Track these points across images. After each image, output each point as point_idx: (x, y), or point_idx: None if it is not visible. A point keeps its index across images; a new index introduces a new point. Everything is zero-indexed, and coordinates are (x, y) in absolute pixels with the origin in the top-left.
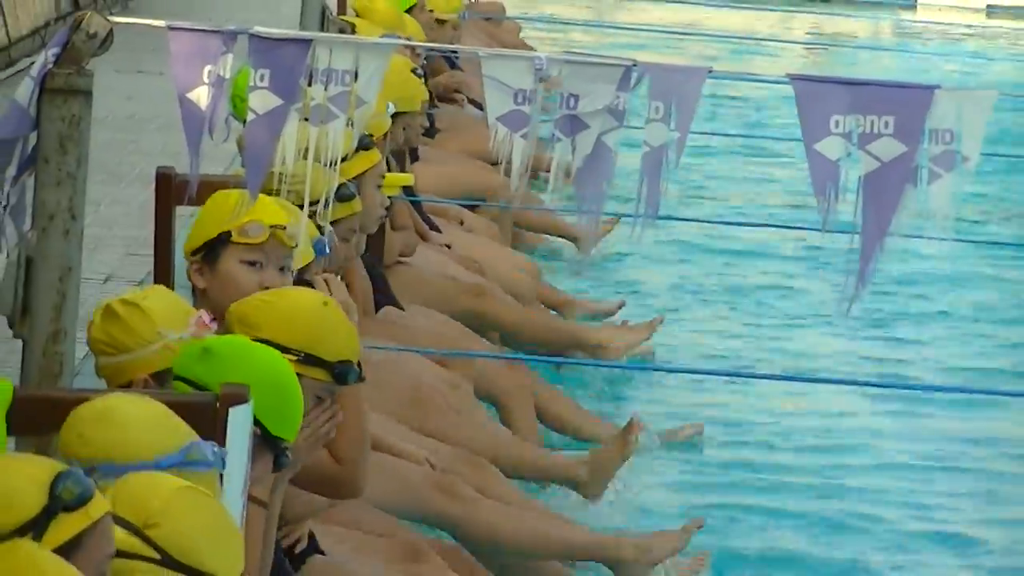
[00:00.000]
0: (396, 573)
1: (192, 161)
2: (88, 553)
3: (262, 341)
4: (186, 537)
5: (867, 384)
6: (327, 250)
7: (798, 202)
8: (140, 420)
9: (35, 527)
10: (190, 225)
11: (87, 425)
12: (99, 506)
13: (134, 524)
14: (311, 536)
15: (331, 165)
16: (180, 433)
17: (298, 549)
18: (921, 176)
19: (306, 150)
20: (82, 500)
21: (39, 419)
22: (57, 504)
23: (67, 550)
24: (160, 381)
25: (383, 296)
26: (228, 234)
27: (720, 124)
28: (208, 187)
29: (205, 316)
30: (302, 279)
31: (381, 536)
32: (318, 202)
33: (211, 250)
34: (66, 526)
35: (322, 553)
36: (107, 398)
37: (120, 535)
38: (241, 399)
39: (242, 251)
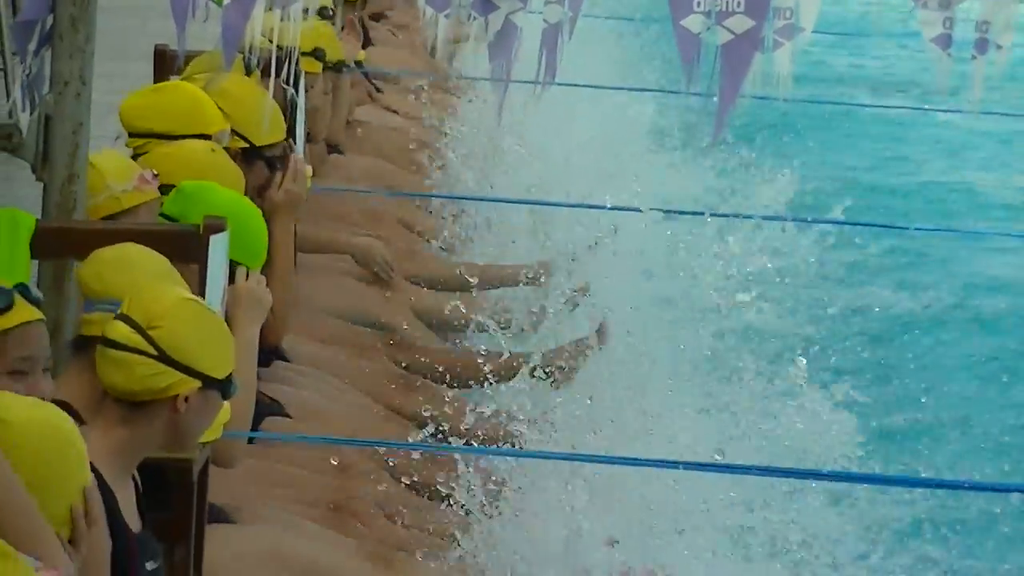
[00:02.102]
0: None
1: (179, 36)
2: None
3: None
4: (182, 339)
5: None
6: None
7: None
8: (149, 268)
9: None
10: None
11: (105, 266)
12: (13, 318)
13: (140, 324)
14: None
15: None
16: (179, 283)
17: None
18: (768, 45)
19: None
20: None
21: (57, 246)
22: None
23: None
24: None
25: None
26: None
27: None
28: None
29: (147, 173)
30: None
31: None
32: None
33: None
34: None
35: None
36: (124, 247)
37: (127, 332)
38: (220, 228)
39: None
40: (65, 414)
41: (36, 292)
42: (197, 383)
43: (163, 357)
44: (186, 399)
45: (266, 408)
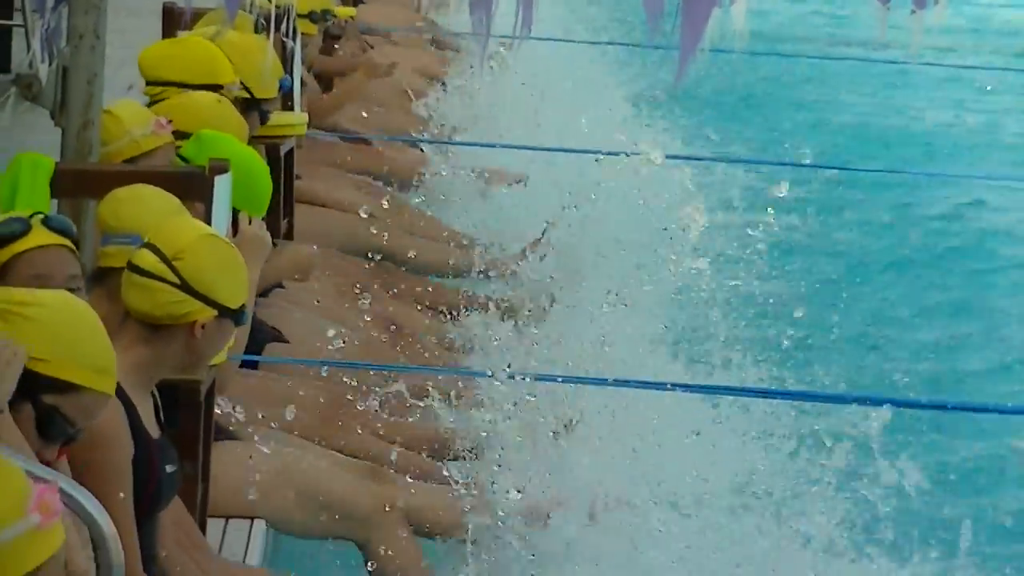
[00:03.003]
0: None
1: None
2: (16, 271)
3: None
4: (203, 271)
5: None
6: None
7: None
8: (160, 206)
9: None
10: None
11: (121, 204)
12: (29, 242)
13: (165, 255)
14: None
15: None
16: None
17: None
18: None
19: None
20: (8, 240)
21: (74, 187)
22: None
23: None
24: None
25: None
26: None
27: None
28: (198, 16)
29: (162, 120)
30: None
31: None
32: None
33: None
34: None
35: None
36: (138, 187)
37: (153, 261)
38: (224, 170)
39: None
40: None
41: (63, 222)
42: (214, 312)
43: (185, 287)
44: (203, 326)
45: (268, 335)
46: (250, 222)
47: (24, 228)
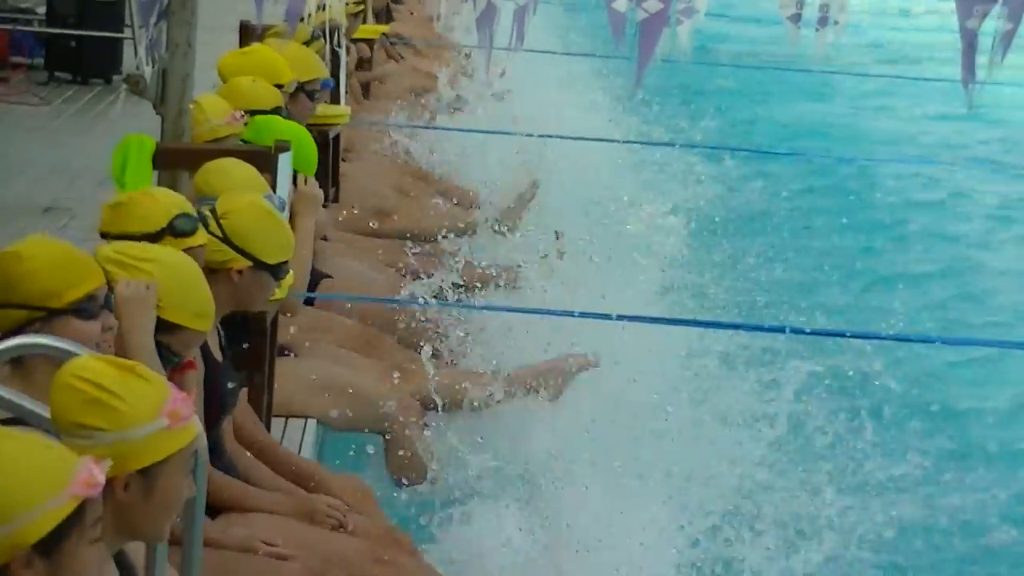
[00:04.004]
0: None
1: (258, 13)
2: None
3: None
4: (242, 229)
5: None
6: (332, 85)
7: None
8: (243, 176)
9: (156, 238)
10: None
11: (211, 174)
12: (196, 240)
13: (216, 213)
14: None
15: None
16: (264, 187)
17: None
18: (672, 21)
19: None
20: (186, 233)
21: (171, 161)
22: (171, 230)
23: None
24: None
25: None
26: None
27: None
28: (267, 30)
29: (236, 113)
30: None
31: None
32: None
33: None
34: (175, 244)
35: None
36: (225, 160)
37: (208, 218)
38: (285, 149)
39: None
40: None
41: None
42: (248, 263)
43: (225, 240)
44: (239, 272)
45: (320, 276)
46: (305, 182)
47: (193, 227)
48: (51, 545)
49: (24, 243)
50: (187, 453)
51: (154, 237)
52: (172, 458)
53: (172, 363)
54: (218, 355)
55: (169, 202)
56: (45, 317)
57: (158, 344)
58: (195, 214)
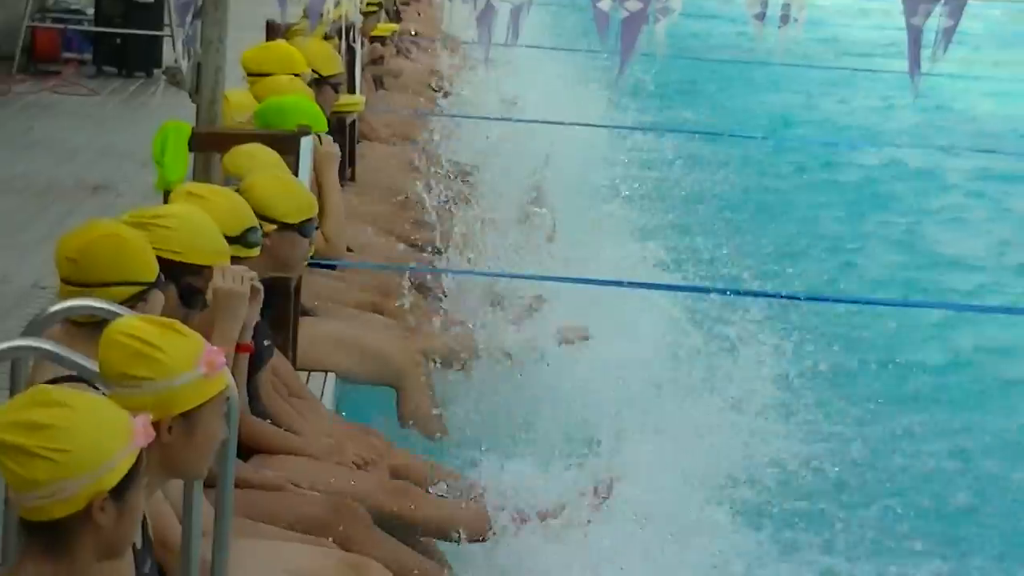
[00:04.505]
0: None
1: (282, 13)
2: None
3: None
4: (260, 198)
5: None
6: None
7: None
8: (264, 158)
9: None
10: None
11: (239, 156)
12: (256, 250)
13: (240, 188)
14: None
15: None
16: (283, 168)
17: None
18: (651, 20)
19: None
20: (251, 246)
21: (205, 144)
22: (243, 239)
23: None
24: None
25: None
26: None
27: None
28: (290, 28)
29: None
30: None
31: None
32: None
33: None
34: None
35: None
36: (251, 145)
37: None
38: (307, 133)
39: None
40: None
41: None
42: (273, 226)
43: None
44: (267, 236)
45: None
46: (321, 141)
47: (257, 241)
48: (121, 490)
49: (118, 224)
50: (222, 399)
51: (228, 242)
52: (209, 403)
53: (203, 304)
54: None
55: (245, 213)
56: (147, 290)
57: (188, 287)
58: (260, 227)
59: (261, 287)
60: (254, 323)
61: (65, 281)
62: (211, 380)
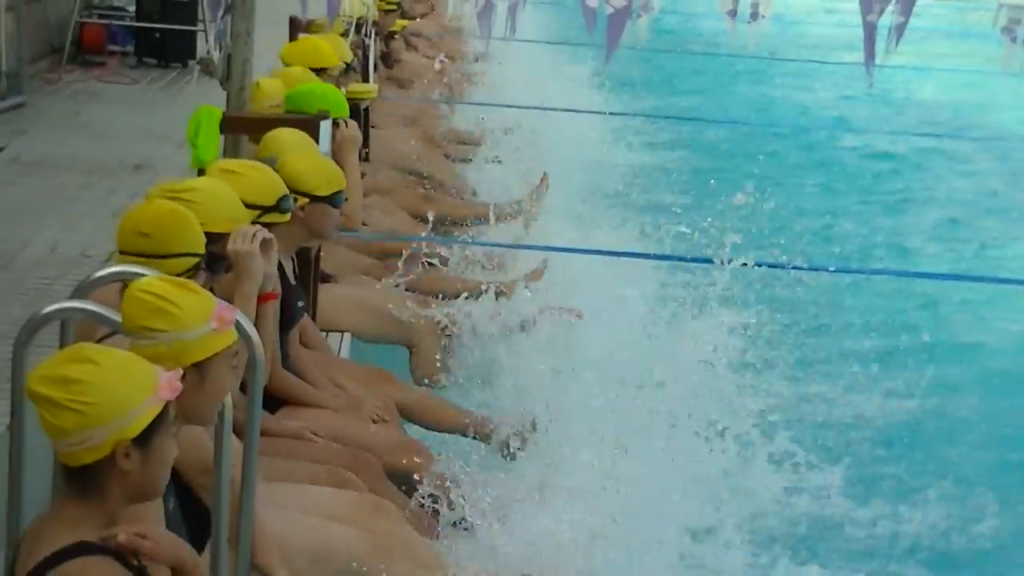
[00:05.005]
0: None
1: (303, 10)
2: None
3: None
4: (293, 173)
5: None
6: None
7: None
8: (294, 138)
9: (267, 211)
10: None
11: (270, 140)
12: (288, 215)
13: (274, 165)
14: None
15: None
16: (308, 148)
17: None
18: (634, 15)
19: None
20: (285, 212)
21: (234, 127)
22: (278, 207)
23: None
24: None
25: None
26: None
27: None
28: (310, 23)
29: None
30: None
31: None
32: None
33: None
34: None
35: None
36: (280, 129)
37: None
38: (326, 117)
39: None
40: None
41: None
42: (306, 199)
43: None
44: (302, 208)
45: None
46: (346, 124)
47: (290, 207)
48: (145, 438)
49: (173, 203)
50: (231, 352)
51: (264, 211)
52: (219, 355)
53: (225, 267)
54: (292, 280)
55: (277, 184)
56: (201, 260)
57: (211, 254)
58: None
59: (273, 238)
60: (274, 271)
61: (131, 253)
62: (220, 335)
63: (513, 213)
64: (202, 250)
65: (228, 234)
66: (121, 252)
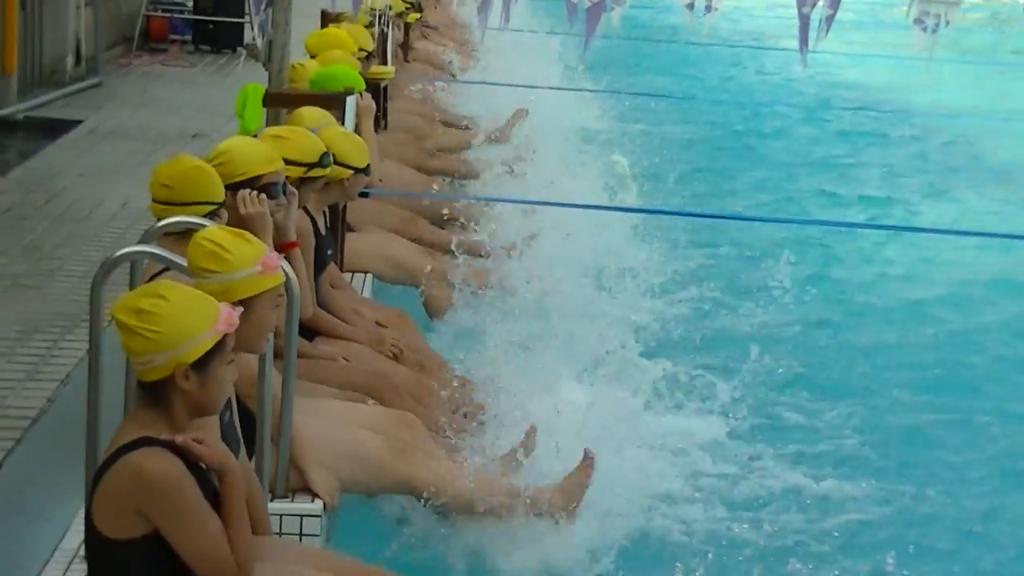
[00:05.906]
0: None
1: (332, 1)
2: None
3: None
4: (339, 149)
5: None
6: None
7: None
8: (317, 117)
9: (312, 167)
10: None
11: (307, 112)
12: (328, 169)
13: (321, 141)
14: None
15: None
16: (332, 119)
17: None
18: (607, 8)
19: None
20: (326, 166)
21: (275, 102)
22: (320, 162)
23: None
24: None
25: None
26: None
27: None
28: (340, 15)
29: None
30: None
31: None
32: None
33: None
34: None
35: None
36: (308, 108)
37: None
38: (351, 93)
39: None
40: None
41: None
42: (350, 172)
43: (336, 163)
44: (347, 180)
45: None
46: (362, 95)
47: (330, 162)
48: (202, 364)
49: (195, 158)
50: (274, 293)
51: (309, 167)
52: (263, 295)
53: (280, 193)
54: (323, 230)
55: (319, 144)
56: (218, 208)
57: (264, 188)
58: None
59: (295, 190)
60: (294, 220)
61: (158, 201)
62: (266, 277)
63: (496, 137)
64: (218, 199)
65: (267, 173)
66: (153, 201)
